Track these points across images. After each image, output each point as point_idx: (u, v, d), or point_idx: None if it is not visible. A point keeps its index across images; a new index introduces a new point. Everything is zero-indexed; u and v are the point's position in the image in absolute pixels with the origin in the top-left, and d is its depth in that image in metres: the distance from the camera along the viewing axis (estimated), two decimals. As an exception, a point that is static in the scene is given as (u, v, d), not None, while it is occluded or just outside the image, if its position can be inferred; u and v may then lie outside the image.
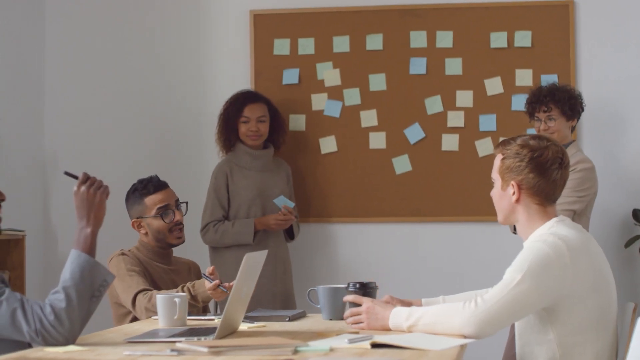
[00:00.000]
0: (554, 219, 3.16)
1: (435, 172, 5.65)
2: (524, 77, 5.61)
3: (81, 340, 3.06)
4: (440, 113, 5.69)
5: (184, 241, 4.28)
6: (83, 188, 3.04)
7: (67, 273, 2.97)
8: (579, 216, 4.83)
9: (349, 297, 3.32)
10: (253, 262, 3.15)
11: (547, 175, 3.14)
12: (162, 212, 4.21)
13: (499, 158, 3.22)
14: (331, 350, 2.76)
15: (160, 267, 4.21)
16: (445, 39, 5.69)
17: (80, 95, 5.92)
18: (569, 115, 4.98)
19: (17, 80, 5.70)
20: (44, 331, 2.91)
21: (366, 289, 3.37)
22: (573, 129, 5.11)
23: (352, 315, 3.25)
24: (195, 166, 5.86)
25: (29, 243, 5.36)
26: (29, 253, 5.33)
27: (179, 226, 4.25)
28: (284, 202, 5.30)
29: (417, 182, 5.70)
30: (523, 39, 5.62)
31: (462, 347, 2.87)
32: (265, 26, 5.79)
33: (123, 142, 5.92)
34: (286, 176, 5.51)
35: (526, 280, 2.99)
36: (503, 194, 3.20)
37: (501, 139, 3.55)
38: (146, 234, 4.23)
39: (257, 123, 5.42)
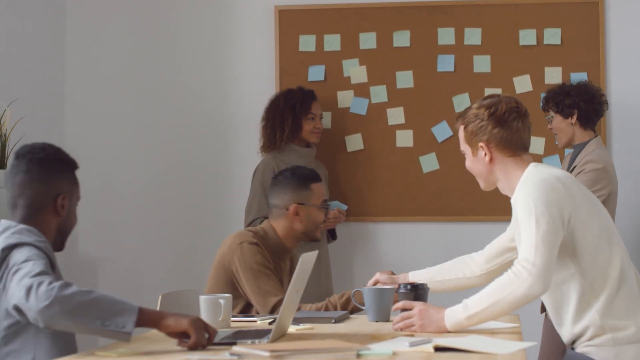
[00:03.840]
0: (531, 165, 3.23)
1: (463, 171, 5.50)
2: (553, 75, 5.55)
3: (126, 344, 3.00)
4: (469, 111, 5.61)
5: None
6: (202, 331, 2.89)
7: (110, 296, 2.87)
8: None
9: (399, 305, 3.26)
10: (307, 263, 3.08)
11: (508, 126, 3.22)
12: (326, 205, 4.13)
13: (461, 129, 3.32)
14: (394, 354, 2.70)
15: (277, 266, 4.09)
16: (473, 36, 5.63)
17: (101, 95, 5.85)
18: (565, 113, 4.90)
19: (37, 81, 5.64)
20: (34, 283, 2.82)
21: (417, 291, 3.29)
22: (588, 125, 4.96)
23: (402, 319, 3.18)
24: (217, 165, 5.78)
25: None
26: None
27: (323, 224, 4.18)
28: (337, 205, 5.29)
29: (444, 181, 5.63)
30: (552, 36, 5.56)
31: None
32: (291, 22, 5.72)
33: (144, 141, 5.85)
34: (324, 177, 5.44)
35: (541, 218, 3.06)
36: (476, 160, 3.29)
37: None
38: (300, 221, 4.07)
39: (320, 120, 5.39)
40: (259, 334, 3.03)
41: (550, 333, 4.86)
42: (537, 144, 5.53)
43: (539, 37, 5.58)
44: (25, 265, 2.91)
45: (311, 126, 5.35)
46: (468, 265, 3.58)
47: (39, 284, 2.83)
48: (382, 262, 5.64)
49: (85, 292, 2.85)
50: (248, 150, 5.69)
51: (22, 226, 3.08)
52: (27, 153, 3.16)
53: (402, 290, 3.31)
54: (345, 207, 5.35)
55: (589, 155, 4.83)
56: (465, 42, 5.64)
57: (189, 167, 5.79)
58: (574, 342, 3.19)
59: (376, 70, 5.69)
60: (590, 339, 3.14)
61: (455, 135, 5.63)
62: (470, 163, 3.33)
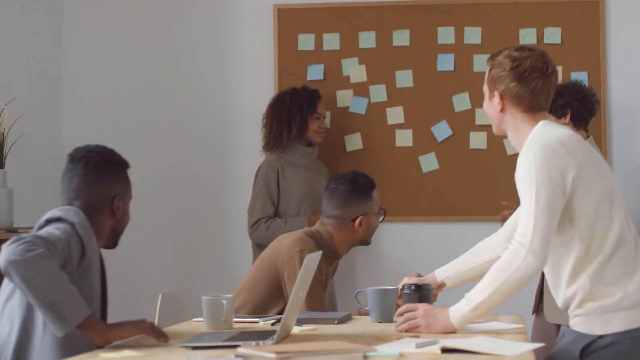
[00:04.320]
0: (541, 122, 3.19)
1: (463, 171, 5.56)
2: (554, 74, 5.52)
3: (129, 343, 2.98)
4: (468, 110, 5.60)
5: None
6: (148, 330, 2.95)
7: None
8: None
9: (402, 309, 3.21)
10: (311, 264, 3.05)
11: (526, 84, 3.17)
12: (383, 211, 4.12)
13: (487, 70, 3.29)
14: (401, 356, 2.67)
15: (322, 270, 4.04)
16: (473, 35, 5.61)
17: (99, 94, 5.82)
18: (558, 113, 4.89)
19: (35, 80, 5.61)
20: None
21: (422, 292, 3.27)
22: (581, 124, 4.93)
23: (406, 320, 3.15)
24: (215, 164, 5.76)
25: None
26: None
27: None
28: None
29: (444, 181, 5.61)
30: (552, 35, 5.54)
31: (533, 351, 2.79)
32: (290, 21, 5.69)
33: (141, 140, 5.81)
34: (325, 177, 5.42)
35: (542, 190, 3.02)
36: (490, 104, 3.26)
37: None
38: (362, 231, 4.06)
39: (324, 120, 5.37)
40: (262, 335, 3.00)
41: (539, 333, 4.85)
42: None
43: (539, 36, 5.56)
44: (35, 234, 2.94)
45: (316, 126, 5.32)
46: (492, 246, 3.53)
47: (24, 242, 2.85)
48: (382, 262, 5.62)
49: (57, 273, 2.86)
50: (247, 150, 5.67)
51: (75, 208, 3.14)
52: (83, 157, 3.22)
53: (406, 291, 3.28)
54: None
55: None
56: (465, 41, 5.62)
57: (187, 166, 5.76)
58: (567, 307, 3.16)
59: (375, 69, 5.66)
60: (579, 304, 3.09)
61: (454, 135, 5.61)
62: (485, 105, 3.30)
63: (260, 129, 5.45)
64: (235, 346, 2.85)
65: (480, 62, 5.58)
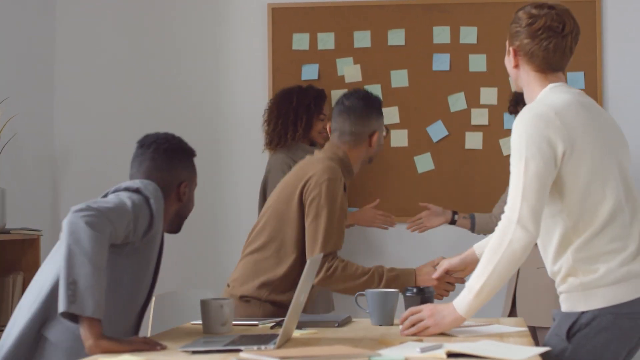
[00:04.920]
0: (549, 86, 3.15)
1: (459, 171, 5.53)
2: (550, 74, 5.49)
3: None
4: (464, 110, 5.57)
5: None
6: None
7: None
8: None
9: (406, 314, 3.15)
10: (313, 266, 3.01)
11: (539, 42, 3.13)
12: (387, 128, 4.16)
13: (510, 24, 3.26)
14: (406, 360, 2.63)
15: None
16: (469, 34, 5.57)
17: (92, 93, 5.78)
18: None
19: (28, 80, 5.55)
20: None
21: (424, 295, 3.23)
22: None
23: (412, 324, 3.11)
24: (208, 163, 5.71)
25: (44, 243, 5.20)
26: (44, 253, 5.16)
27: None
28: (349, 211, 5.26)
29: (439, 181, 5.58)
30: (549, 35, 5.50)
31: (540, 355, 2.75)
32: (284, 20, 5.65)
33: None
34: None
35: (531, 161, 2.98)
36: (507, 59, 3.23)
37: None
38: (373, 148, 4.05)
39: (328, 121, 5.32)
40: (264, 339, 2.96)
41: None
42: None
43: (536, 36, 5.52)
44: (107, 202, 3.02)
45: (320, 126, 5.28)
46: None
47: (94, 216, 2.91)
48: (378, 262, 5.58)
49: (99, 264, 2.88)
50: (241, 149, 5.63)
51: (154, 184, 3.23)
52: (152, 143, 3.38)
53: (408, 294, 3.24)
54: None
55: None
56: (461, 41, 5.58)
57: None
58: (554, 282, 3.15)
59: (370, 69, 5.62)
60: (563, 279, 3.07)
61: (450, 135, 5.57)
62: (505, 59, 3.28)
63: (259, 127, 5.40)
64: (236, 350, 2.81)
65: (476, 62, 5.55)
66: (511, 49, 3.20)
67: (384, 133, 4.11)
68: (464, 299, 3.05)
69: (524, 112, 3.06)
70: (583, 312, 3.02)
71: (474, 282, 3.02)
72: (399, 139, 5.60)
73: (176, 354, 2.85)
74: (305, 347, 2.90)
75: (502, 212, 4.98)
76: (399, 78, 5.61)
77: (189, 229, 5.65)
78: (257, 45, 5.68)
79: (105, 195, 3.19)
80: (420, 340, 3.00)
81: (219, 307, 3.33)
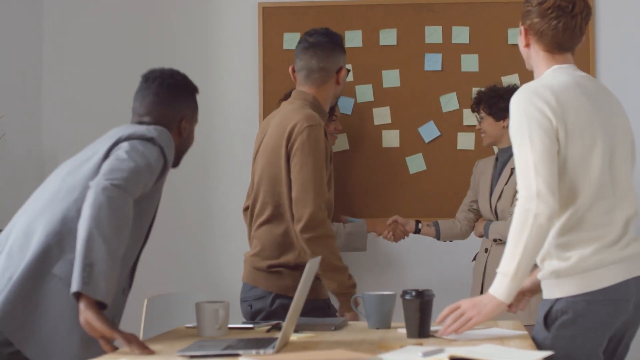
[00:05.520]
0: (555, 67, 3.19)
1: (451, 172, 5.49)
2: (543, 75, 5.46)
3: (124, 353, 2.89)
4: (456, 111, 5.53)
5: None
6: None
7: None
8: None
9: (445, 312, 3.10)
10: (312, 269, 2.96)
11: (548, 21, 3.17)
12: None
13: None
14: (409, 365, 2.59)
15: None
16: (461, 34, 5.53)
17: (79, 92, 5.71)
18: (497, 115, 4.95)
19: (15, 78, 5.49)
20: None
21: (423, 298, 3.18)
22: None
23: (453, 320, 3.06)
24: (198, 163, 5.66)
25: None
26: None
27: None
28: (352, 222, 5.23)
29: (431, 182, 5.53)
30: (542, 35, 5.47)
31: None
32: (275, 20, 5.60)
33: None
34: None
35: (535, 137, 3.01)
36: (520, 38, 3.28)
37: None
38: (339, 85, 4.11)
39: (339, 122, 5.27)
40: (262, 343, 2.91)
41: None
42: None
43: (528, 36, 5.48)
44: (129, 164, 3.06)
45: (332, 127, 5.22)
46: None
47: (122, 188, 2.98)
48: (369, 264, 5.54)
49: (117, 245, 2.95)
50: (230, 149, 5.57)
51: (166, 131, 3.29)
52: (157, 77, 3.41)
53: (406, 297, 3.19)
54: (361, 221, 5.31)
55: None
56: (453, 41, 5.54)
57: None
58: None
59: (362, 69, 5.58)
60: (541, 263, 3.13)
61: (442, 136, 5.53)
62: (518, 38, 3.35)
63: (250, 127, 5.35)
64: (235, 355, 2.77)
65: (468, 62, 5.51)
66: (522, 27, 3.25)
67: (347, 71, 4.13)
68: (501, 285, 3.02)
69: (520, 91, 3.10)
70: (557, 299, 3.06)
71: (507, 267, 3.00)
72: (391, 139, 5.56)
73: (174, 358, 2.80)
74: (305, 351, 2.85)
75: (467, 216, 5.05)
76: (391, 78, 5.57)
77: (179, 231, 5.62)
78: (248, 44, 5.63)
79: (117, 143, 3.19)
80: (420, 344, 2.96)
81: (215, 310, 3.28)
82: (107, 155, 3.17)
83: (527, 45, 3.25)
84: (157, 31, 5.69)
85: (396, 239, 5.16)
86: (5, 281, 3.07)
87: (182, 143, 3.47)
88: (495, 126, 4.99)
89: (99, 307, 2.93)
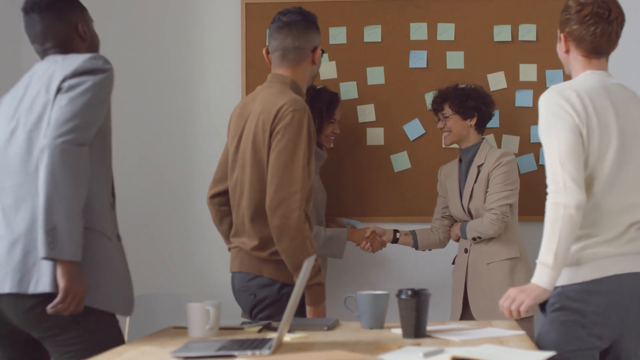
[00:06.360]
0: (588, 71, 3.40)
1: (436, 170, 5.41)
2: (529, 72, 5.41)
3: (116, 354, 2.82)
4: (441, 108, 5.46)
5: None
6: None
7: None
8: (512, 210, 4.89)
9: (502, 302, 3.26)
10: (307, 269, 2.90)
11: (587, 27, 3.37)
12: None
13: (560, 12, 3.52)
14: (411, 365, 2.53)
15: None
16: (446, 31, 5.48)
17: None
18: (465, 114, 4.96)
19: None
20: None
21: (419, 297, 3.13)
22: (482, 128, 5.05)
23: (510, 304, 3.24)
24: (181, 161, 5.58)
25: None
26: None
27: None
28: (349, 223, 5.21)
29: (416, 180, 5.47)
30: (527, 32, 5.43)
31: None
32: (258, 16, 5.52)
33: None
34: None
35: (561, 135, 3.22)
36: (559, 46, 3.48)
37: None
38: (315, 65, 4.05)
39: (338, 124, 5.18)
40: (256, 344, 2.85)
41: None
42: (512, 143, 5.40)
43: (514, 33, 5.44)
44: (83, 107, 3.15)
45: (329, 130, 5.14)
46: None
47: (76, 137, 3.09)
48: (353, 264, 5.47)
49: (77, 200, 3.06)
50: (213, 146, 5.49)
51: (97, 54, 3.29)
52: (33, 5, 3.38)
53: (402, 297, 3.14)
54: (359, 224, 5.26)
55: (494, 151, 4.93)
56: (438, 38, 5.48)
57: (151, 163, 5.58)
58: None
59: (346, 66, 5.51)
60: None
61: (427, 134, 5.48)
62: (557, 46, 3.53)
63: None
64: (230, 356, 2.70)
65: (454, 59, 5.46)
66: (562, 35, 3.45)
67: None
68: (542, 274, 3.20)
69: (547, 91, 3.31)
70: (555, 287, 3.25)
71: (546, 257, 3.18)
72: (375, 137, 5.49)
73: (167, 359, 2.73)
74: (301, 352, 2.79)
75: (442, 223, 5.06)
76: (375, 75, 5.51)
77: (161, 231, 5.54)
78: (231, 40, 5.56)
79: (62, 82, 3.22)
80: (418, 344, 2.90)
81: (206, 310, 3.21)
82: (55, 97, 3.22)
83: (567, 51, 3.45)
84: (138, 28, 5.61)
85: (374, 249, 5.14)
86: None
87: (91, 45, 3.49)
88: (462, 125, 4.98)
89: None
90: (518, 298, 3.22)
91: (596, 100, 3.30)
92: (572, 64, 3.46)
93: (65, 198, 3.02)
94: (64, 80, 3.20)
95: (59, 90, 3.19)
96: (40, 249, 3.03)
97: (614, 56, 3.57)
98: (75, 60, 3.24)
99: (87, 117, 3.13)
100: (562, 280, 3.25)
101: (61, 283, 3.05)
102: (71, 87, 3.17)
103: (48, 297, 3.10)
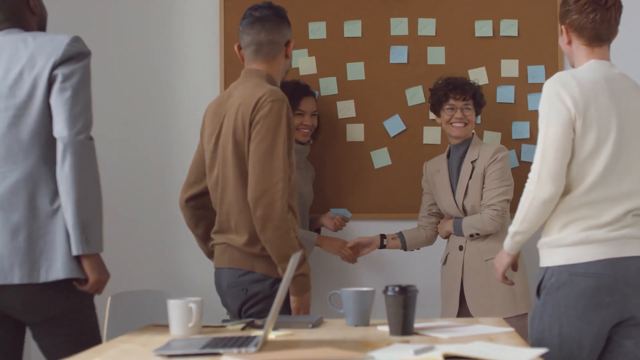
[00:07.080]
0: (592, 61, 3.49)
1: (416, 167, 5.36)
2: (510, 68, 5.37)
3: (97, 353, 2.75)
4: (422, 104, 5.42)
5: None
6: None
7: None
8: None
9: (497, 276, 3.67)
10: (294, 264, 2.83)
11: (586, 16, 3.47)
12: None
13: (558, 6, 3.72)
14: (401, 363, 2.47)
15: None
16: (427, 26, 5.43)
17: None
18: (478, 110, 4.98)
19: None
20: None
21: (407, 294, 3.07)
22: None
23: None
24: (158, 158, 5.50)
25: None
26: None
27: None
28: (340, 213, 5.22)
29: (397, 177, 5.42)
30: (509, 28, 5.39)
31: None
32: (236, 10, 5.43)
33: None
34: (310, 178, 5.19)
35: (550, 126, 3.34)
36: (561, 38, 3.58)
37: None
38: (287, 58, 4.06)
39: (311, 117, 5.09)
40: (241, 342, 2.78)
41: None
42: (493, 139, 5.36)
43: (495, 29, 5.40)
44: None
45: (297, 122, 5.06)
46: None
47: (84, 149, 3.18)
48: (337, 260, 5.41)
49: (99, 191, 3.23)
50: (191, 141, 5.40)
51: (73, 36, 3.36)
52: None
53: (389, 293, 3.08)
54: (349, 213, 5.26)
55: (487, 146, 4.89)
56: (419, 33, 5.43)
57: (128, 160, 5.49)
58: None
59: (326, 61, 5.45)
60: (543, 233, 3.53)
61: (407, 130, 5.43)
62: (559, 39, 3.62)
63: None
64: (215, 354, 2.63)
65: (435, 55, 5.40)
66: (563, 27, 3.55)
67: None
68: (506, 241, 3.56)
69: (551, 78, 3.40)
70: (547, 268, 3.42)
71: (512, 227, 3.48)
72: (355, 133, 5.44)
73: (150, 357, 2.66)
74: (288, 349, 2.73)
75: (429, 221, 5.05)
76: (355, 71, 5.45)
77: (140, 227, 5.45)
78: (209, 36, 5.49)
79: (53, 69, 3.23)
80: (407, 342, 2.84)
81: (188, 307, 3.14)
82: (49, 85, 3.20)
83: (569, 42, 3.54)
84: (115, 22, 5.52)
85: (351, 261, 5.09)
86: None
87: (40, 20, 3.52)
88: (474, 119, 4.96)
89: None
90: (496, 264, 3.65)
91: (598, 92, 3.37)
92: (575, 55, 3.53)
93: (93, 193, 3.16)
94: (54, 67, 3.19)
95: (52, 78, 3.18)
96: (75, 246, 3.15)
97: (616, 51, 3.61)
98: (57, 44, 3.24)
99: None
100: (558, 261, 3.38)
101: (92, 276, 3.20)
102: (67, 77, 3.18)
103: (57, 282, 3.16)
